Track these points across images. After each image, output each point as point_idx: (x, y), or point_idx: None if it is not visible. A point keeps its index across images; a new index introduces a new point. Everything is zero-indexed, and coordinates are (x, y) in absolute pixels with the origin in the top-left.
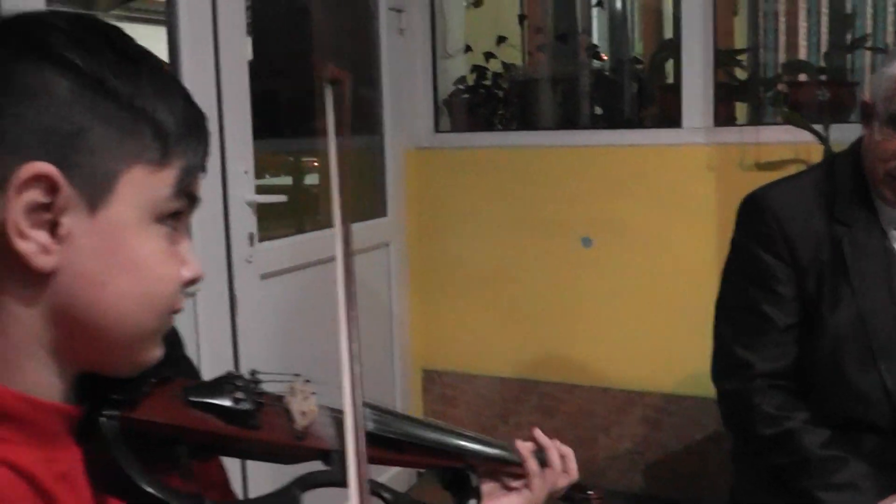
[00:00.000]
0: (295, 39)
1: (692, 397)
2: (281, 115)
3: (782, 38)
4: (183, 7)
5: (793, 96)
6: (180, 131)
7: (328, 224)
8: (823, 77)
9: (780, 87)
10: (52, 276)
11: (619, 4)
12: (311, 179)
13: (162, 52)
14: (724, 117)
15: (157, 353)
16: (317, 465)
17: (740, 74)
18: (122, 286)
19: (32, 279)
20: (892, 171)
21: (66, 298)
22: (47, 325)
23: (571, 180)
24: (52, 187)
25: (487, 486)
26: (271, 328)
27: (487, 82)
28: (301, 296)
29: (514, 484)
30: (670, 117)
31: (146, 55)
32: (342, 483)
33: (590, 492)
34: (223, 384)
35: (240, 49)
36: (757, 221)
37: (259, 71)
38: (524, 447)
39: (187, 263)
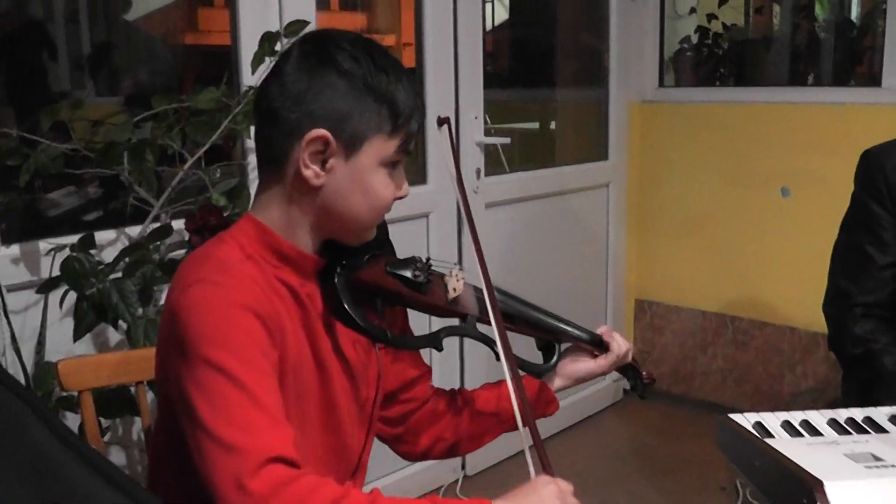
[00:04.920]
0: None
1: None
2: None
3: None
4: None
5: None
6: (407, 112)
7: (545, 164)
8: None
9: None
10: (319, 189)
11: None
12: (533, 125)
13: (408, 16)
14: None
15: (371, 235)
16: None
17: None
18: (358, 199)
19: (309, 190)
20: None
21: (325, 201)
22: (313, 213)
23: (775, 134)
24: (326, 143)
25: (575, 354)
26: (491, 248)
27: (709, 42)
28: (519, 223)
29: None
30: (876, 78)
31: (394, 61)
32: (472, 335)
33: (643, 373)
34: (410, 263)
35: (475, 14)
36: (869, 175)
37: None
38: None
39: (401, 186)
